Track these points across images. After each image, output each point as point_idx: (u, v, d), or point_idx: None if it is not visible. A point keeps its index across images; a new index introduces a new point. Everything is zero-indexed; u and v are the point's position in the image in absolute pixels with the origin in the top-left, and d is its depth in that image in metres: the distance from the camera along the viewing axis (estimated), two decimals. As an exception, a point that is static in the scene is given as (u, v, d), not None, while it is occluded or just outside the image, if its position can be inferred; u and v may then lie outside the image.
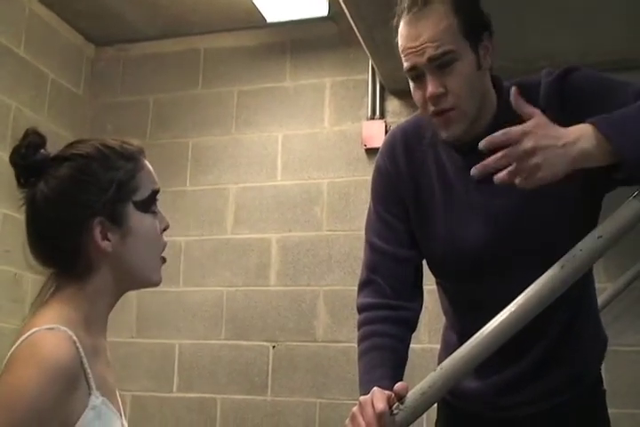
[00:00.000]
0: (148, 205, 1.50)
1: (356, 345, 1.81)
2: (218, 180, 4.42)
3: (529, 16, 3.19)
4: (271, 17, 4.30)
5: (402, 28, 1.71)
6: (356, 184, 4.19)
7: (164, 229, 1.54)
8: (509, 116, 1.73)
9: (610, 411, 1.93)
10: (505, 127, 1.72)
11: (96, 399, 1.35)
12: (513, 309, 1.45)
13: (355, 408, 1.51)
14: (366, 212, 1.96)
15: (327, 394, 3.94)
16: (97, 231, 1.42)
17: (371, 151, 4.13)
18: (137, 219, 1.47)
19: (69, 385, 1.29)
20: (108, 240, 1.44)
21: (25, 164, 1.47)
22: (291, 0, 4.12)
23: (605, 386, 1.95)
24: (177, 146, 4.56)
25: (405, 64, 1.71)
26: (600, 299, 2.80)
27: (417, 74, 1.71)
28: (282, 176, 4.36)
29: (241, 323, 4.22)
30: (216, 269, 4.32)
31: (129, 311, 4.33)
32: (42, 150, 1.48)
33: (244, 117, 4.53)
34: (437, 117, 1.72)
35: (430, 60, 1.66)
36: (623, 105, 1.59)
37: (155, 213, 1.51)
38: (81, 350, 1.33)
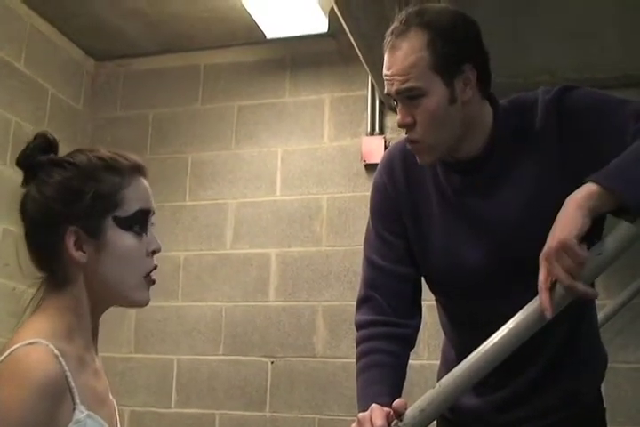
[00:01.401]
0: (131, 223, 1.47)
1: (355, 362, 1.81)
2: (217, 195, 4.42)
3: (527, 32, 3.20)
4: (271, 33, 4.31)
5: (384, 54, 1.72)
6: (355, 200, 4.19)
7: (154, 252, 1.51)
8: (506, 135, 1.73)
9: (609, 428, 1.92)
10: (503, 146, 1.73)
11: (80, 414, 1.33)
12: (511, 326, 1.45)
13: (353, 425, 1.50)
14: (365, 227, 1.96)
15: (326, 410, 3.92)
16: (70, 240, 1.42)
17: (370, 167, 4.13)
18: (116, 235, 1.45)
19: (55, 400, 1.28)
20: (83, 251, 1.43)
21: (23, 165, 1.49)
22: (290, 16, 4.13)
23: (605, 403, 1.94)
24: (176, 161, 4.56)
25: (385, 89, 1.73)
26: (600, 315, 2.79)
27: (394, 99, 1.72)
28: (281, 191, 4.36)
29: (240, 338, 4.21)
30: (215, 285, 4.32)
31: (127, 326, 4.33)
32: (49, 154, 1.49)
33: (243, 133, 4.54)
34: (409, 145, 1.74)
35: (397, 92, 1.67)
36: (621, 124, 1.59)
37: (139, 232, 1.48)
38: (64, 363, 1.32)
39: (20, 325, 1.44)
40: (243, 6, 4.04)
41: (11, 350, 1.31)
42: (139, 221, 1.48)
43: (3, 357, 1.31)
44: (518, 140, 1.73)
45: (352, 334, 1.89)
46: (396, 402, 1.48)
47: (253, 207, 4.37)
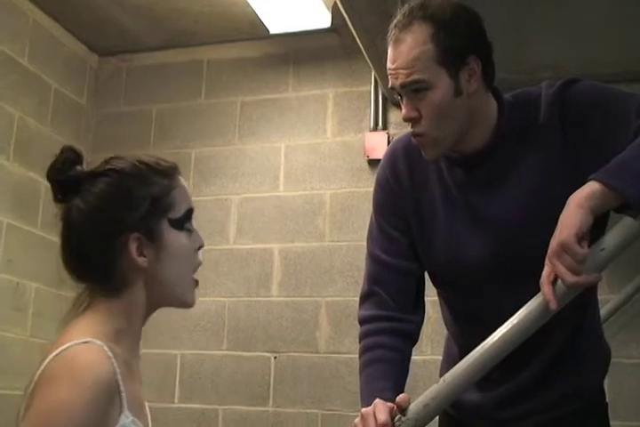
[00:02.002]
0: (183, 222, 1.50)
1: (358, 357, 1.81)
2: (220, 190, 4.42)
3: (530, 28, 3.19)
4: (274, 28, 4.30)
5: (388, 47, 1.72)
6: (358, 195, 4.19)
7: (199, 248, 1.54)
8: (510, 130, 1.73)
9: (612, 423, 1.92)
10: (506, 141, 1.73)
11: (126, 418, 1.33)
12: (515, 321, 1.45)
13: (357, 420, 1.51)
14: (368, 222, 1.96)
15: (329, 405, 3.93)
16: (133, 247, 1.43)
17: (373, 162, 4.13)
18: (172, 236, 1.48)
19: (107, 401, 1.28)
20: (144, 256, 1.44)
21: (61, 179, 1.47)
22: (294, 12, 4.13)
23: (608, 398, 1.95)
24: (179, 156, 4.55)
25: (389, 83, 1.72)
26: (603, 311, 2.79)
27: (398, 93, 1.71)
28: (284, 187, 4.36)
29: (243, 333, 4.21)
30: (218, 280, 4.32)
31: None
32: (77, 166, 1.48)
33: (246, 128, 4.54)
34: (414, 139, 1.74)
35: (402, 86, 1.67)
36: (623, 117, 1.59)
37: (189, 230, 1.52)
38: (115, 365, 1.32)
39: (64, 326, 1.43)
40: (246, 1, 4.04)
41: (63, 347, 1.31)
42: (188, 220, 1.52)
43: (54, 354, 1.30)
44: (522, 135, 1.73)
45: (355, 330, 1.89)
46: (400, 397, 1.49)
47: (256, 203, 4.37)
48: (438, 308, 2.00)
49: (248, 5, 4.08)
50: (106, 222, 1.44)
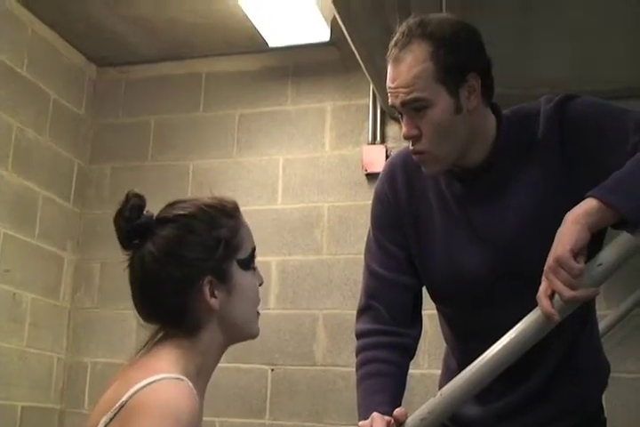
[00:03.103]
0: (249, 262, 1.52)
1: (355, 371, 1.81)
2: (218, 202, 4.41)
3: (528, 43, 3.21)
4: (273, 42, 4.32)
5: (388, 66, 1.72)
6: (356, 208, 4.19)
7: (261, 284, 1.57)
8: (509, 145, 1.74)
9: (610, 438, 1.92)
10: (505, 156, 1.73)
11: None
12: (513, 335, 1.45)
13: (354, 433, 1.51)
14: (366, 236, 1.96)
15: (326, 418, 3.91)
16: (206, 289, 1.44)
17: (371, 176, 4.13)
18: (241, 276, 1.50)
19: None
20: (215, 297, 1.46)
21: (130, 227, 1.47)
22: (293, 25, 4.14)
23: (606, 413, 1.94)
24: (178, 168, 4.57)
25: (389, 101, 1.73)
26: (601, 326, 2.79)
27: (398, 111, 1.72)
28: (282, 200, 4.37)
29: (240, 346, 4.12)
30: None
31: (128, 334, 4.32)
32: (144, 212, 1.49)
33: (244, 141, 4.55)
34: (414, 156, 1.73)
35: (402, 104, 1.67)
36: (621, 134, 1.60)
37: (254, 269, 1.54)
38: (198, 404, 1.34)
39: (135, 359, 1.44)
40: (245, 15, 4.05)
41: (154, 379, 1.30)
42: (253, 259, 1.54)
43: (143, 384, 1.30)
44: (521, 150, 1.73)
45: (352, 343, 1.89)
46: (397, 411, 1.49)
47: (254, 215, 4.37)
48: (435, 322, 2.00)
49: (247, 19, 4.09)
50: (179, 267, 1.45)
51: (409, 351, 1.84)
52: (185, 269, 1.44)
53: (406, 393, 1.76)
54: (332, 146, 4.38)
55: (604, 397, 1.93)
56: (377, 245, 1.90)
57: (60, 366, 4.40)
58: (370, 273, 1.89)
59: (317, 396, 3.99)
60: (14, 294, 4.03)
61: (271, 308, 4.22)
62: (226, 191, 4.42)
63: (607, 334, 3.40)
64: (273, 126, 4.52)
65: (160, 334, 1.48)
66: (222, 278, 1.47)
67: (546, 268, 1.42)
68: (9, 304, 4.00)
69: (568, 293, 1.38)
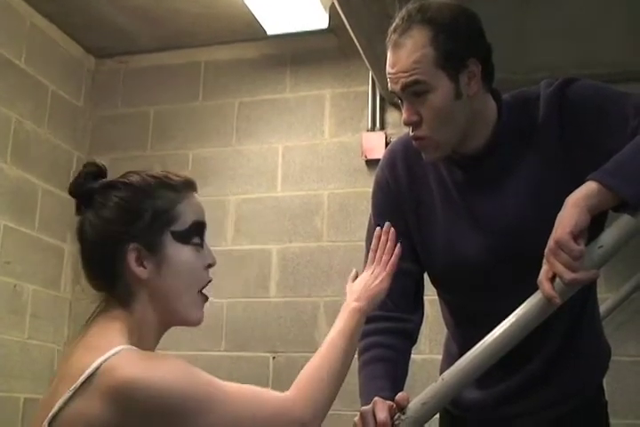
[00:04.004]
0: (188, 236, 1.50)
1: (357, 357, 1.81)
2: (218, 191, 4.42)
3: (529, 27, 3.20)
4: (272, 29, 4.30)
5: (387, 52, 1.72)
6: (356, 195, 4.19)
7: (209, 266, 1.54)
8: (509, 131, 1.74)
9: (611, 421, 1.92)
10: (505, 141, 1.73)
11: None
12: (513, 319, 1.46)
13: (356, 418, 1.51)
14: (366, 223, 1.96)
15: (328, 405, 3.91)
16: (131, 257, 1.44)
17: (371, 163, 4.13)
18: (174, 249, 1.48)
19: None
20: (144, 267, 1.45)
21: (77, 192, 1.51)
22: (291, 13, 4.13)
23: (607, 396, 1.95)
24: (177, 157, 4.56)
25: (388, 87, 1.73)
26: (601, 309, 2.79)
27: (399, 97, 1.72)
28: (282, 187, 4.36)
29: (241, 334, 4.21)
30: (216, 281, 4.24)
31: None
32: (101, 180, 1.51)
33: (244, 129, 4.54)
34: (415, 142, 1.73)
35: (403, 88, 1.67)
36: (621, 117, 1.59)
37: (197, 245, 1.52)
38: None
39: (78, 339, 1.45)
40: (243, 2, 4.04)
41: (97, 363, 1.30)
42: (195, 234, 1.52)
43: (89, 372, 1.30)
44: (521, 135, 1.73)
45: (354, 330, 1.89)
46: (399, 395, 1.49)
47: (254, 203, 4.38)
48: (437, 307, 2.00)
49: (245, 6, 4.08)
50: (109, 234, 1.46)
51: (411, 337, 1.84)
52: (112, 235, 1.45)
53: (408, 378, 1.77)
54: (332, 133, 4.37)
55: (604, 380, 1.94)
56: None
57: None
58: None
59: (320, 383, 3.98)
60: (15, 285, 4.04)
61: (272, 295, 4.23)
62: (225, 180, 4.43)
63: (607, 318, 3.40)
64: (272, 114, 4.51)
65: (102, 306, 1.50)
66: (151, 248, 1.46)
67: (546, 251, 1.42)
68: (10, 296, 4.01)
69: (569, 275, 1.38)
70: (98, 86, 4.88)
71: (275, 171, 4.40)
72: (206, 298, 1.55)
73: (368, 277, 1.65)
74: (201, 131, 4.61)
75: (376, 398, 1.52)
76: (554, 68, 3.35)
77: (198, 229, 1.53)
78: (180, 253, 1.48)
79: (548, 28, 3.20)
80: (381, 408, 1.47)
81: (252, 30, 4.37)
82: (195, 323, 1.55)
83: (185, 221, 1.50)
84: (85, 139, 4.73)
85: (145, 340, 1.48)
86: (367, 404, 1.52)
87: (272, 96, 4.54)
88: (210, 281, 1.55)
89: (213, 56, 4.71)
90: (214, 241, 4.33)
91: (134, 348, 1.35)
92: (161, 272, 1.46)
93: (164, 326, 1.54)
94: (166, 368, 1.31)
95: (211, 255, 1.55)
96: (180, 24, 4.46)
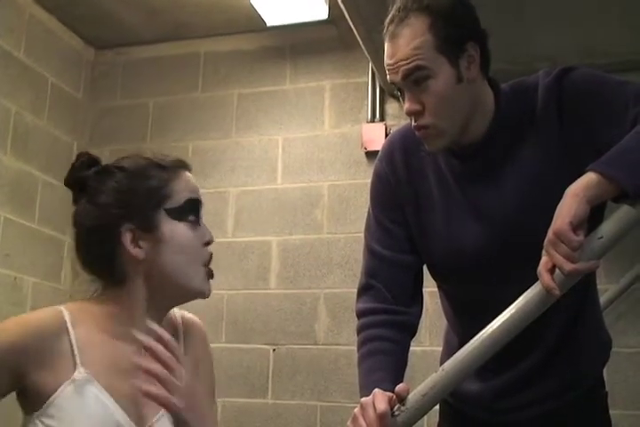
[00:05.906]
0: (182, 213, 1.51)
1: (356, 350, 1.81)
2: (218, 183, 4.42)
3: (528, 17, 3.19)
4: (271, 21, 4.29)
5: (385, 43, 1.71)
6: (356, 187, 4.19)
7: (207, 243, 1.55)
8: (508, 120, 1.73)
9: (611, 412, 1.92)
10: (504, 131, 1.72)
11: (78, 374, 1.39)
12: (513, 310, 1.45)
13: (356, 409, 1.51)
14: (366, 215, 1.96)
15: (328, 397, 3.93)
16: (127, 238, 1.45)
17: (371, 154, 4.13)
18: (170, 226, 1.49)
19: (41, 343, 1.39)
20: (140, 247, 1.46)
21: (71, 181, 1.52)
22: (290, 4, 4.12)
23: (607, 387, 1.95)
24: (177, 149, 4.55)
25: (388, 78, 1.72)
26: (601, 300, 2.79)
27: (399, 88, 1.71)
28: (282, 179, 4.36)
29: (241, 326, 4.22)
30: (216, 272, 4.26)
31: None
32: (94, 168, 1.53)
33: (243, 121, 4.53)
34: (418, 132, 1.72)
35: (404, 76, 1.66)
36: (620, 106, 1.59)
37: (193, 222, 1.53)
38: (69, 324, 1.42)
39: None
40: (242, -7, 4.03)
41: None
42: (191, 211, 1.53)
43: None
44: (519, 124, 1.72)
45: (354, 322, 1.89)
46: (399, 387, 1.49)
47: (254, 195, 4.37)
48: (436, 299, 2.00)
49: (244, -3, 4.07)
50: (103, 216, 1.47)
51: (410, 329, 1.84)
52: (106, 218, 1.46)
53: (408, 370, 1.77)
54: (332, 124, 4.36)
55: (604, 371, 1.94)
56: (376, 224, 1.89)
57: (63, 350, 4.41)
58: (370, 252, 1.89)
59: (319, 375, 4.00)
60: (15, 278, 4.04)
61: (272, 287, 4.23)
62: (225, 171, 4.42)
63: (607, 309, 3.40)
64: (272, 106, 4.51)
65: (97, 292, 1.52)
66: (146, 228, 1.47)
67: (546, 242, 1.42)
68: (10, 289, 4.01)
69: (568, 266, 1.38)
70: (97, 78, 4.87)
71: (274, 163, 4.40)
72: (211, 272, 1.56)
73: None
74: (200, 122, 4.60)
75: (376, 390, 1.51)
76: (554, 57, 3.34)
77: (193, 206, 1.54)
78: (176, 230, 1.49)
79: (548, 16, 3.19)
80: (381, 399, 1.47)
81: (251, 21, 4.36)
82: (202, 294, 1.56)
83: (179, 198, 1.51)
84: (85, 130, 4.73)
85: (129, 312, 1.49)
86: (367, 395, 1.52)
87: (272, 87, 4.53)
88: (211, 256, 1.56)
89: (213, 47, 4.70)
90: (214, 233, 4.29)
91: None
92: (160, 250, 1.47)
93: (167, 302, 1.55)
94: None
95: (208, 233, 1.56)
96: (179, 15, 4.45)
